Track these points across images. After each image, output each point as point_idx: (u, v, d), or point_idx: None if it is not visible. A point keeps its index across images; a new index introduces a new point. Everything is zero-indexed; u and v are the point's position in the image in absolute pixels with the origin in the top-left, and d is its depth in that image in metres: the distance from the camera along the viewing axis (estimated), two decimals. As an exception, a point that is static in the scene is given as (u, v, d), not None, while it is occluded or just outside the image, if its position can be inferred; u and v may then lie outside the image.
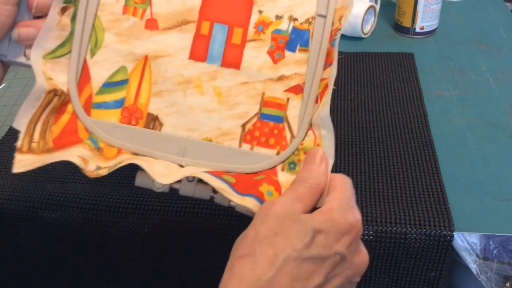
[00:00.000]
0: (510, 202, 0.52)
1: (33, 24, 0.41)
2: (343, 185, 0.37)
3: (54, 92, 0.41)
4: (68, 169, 0.59)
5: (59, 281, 0.62)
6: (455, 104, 0.67)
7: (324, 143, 0.39)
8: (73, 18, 0.42)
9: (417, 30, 0.83)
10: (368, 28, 0.84)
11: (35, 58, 0.41)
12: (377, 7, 0.85)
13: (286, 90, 0.42)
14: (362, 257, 0.36)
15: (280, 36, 0.42)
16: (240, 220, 0.51)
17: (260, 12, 0.42)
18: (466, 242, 0.49)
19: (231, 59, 0.42)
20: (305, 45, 0.42)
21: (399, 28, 0.85)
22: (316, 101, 0.41)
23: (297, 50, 0.42)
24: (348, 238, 0.34)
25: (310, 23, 0.42)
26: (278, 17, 0.42)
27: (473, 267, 0.49)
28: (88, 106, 0.43)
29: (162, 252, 0.55)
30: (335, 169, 0.56)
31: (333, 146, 0.39)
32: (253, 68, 0.42)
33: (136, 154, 0.42)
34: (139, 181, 0.40)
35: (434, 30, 0.84)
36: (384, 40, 0.84)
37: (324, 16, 0.41)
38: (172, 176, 0.39)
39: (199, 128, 0.42)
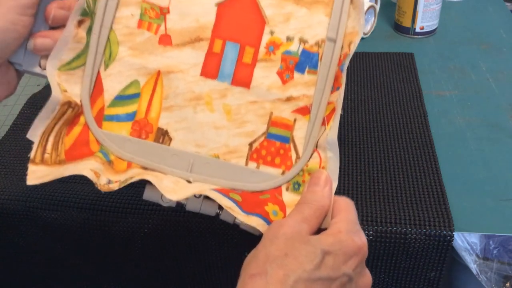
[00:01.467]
0: (510, 202, 0.52)
1: (49, 35, 0.42)
2: (348, 208, 0.38)
3: (68, 104, 0.42)
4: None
5: (59, 281, 0.62)
6: (455, 104, 0.67)
7: (329, 166, 0.40)
8: (89, 31, 0.42)
9: (417, 30, 0.83)
10: (368, 28, 0.84)
11: (51, 69, 0.42)
12: (377, 7, 0.85)
13: (294, 111, 0.42)
14: (366, 279, 0.37)
15: (290, 57, 0.42)
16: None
17: (272, 32, 0.42)
18: (466, 242, 0.49)
19: (242, 78, 0.42)
20: (314, 67, 0.42)
21: (399, 28, 0.85)
22: (323, 124, 0.41)
23: (306, 72, 0.42)
24: (355, 260, 0.35)
25: (319, 46, 0.42)
26: (289, 39, 0.42)
27: (473, 267, 0.49)
28: (100, 118, 0.43)
29: (162, 252, 0.55)
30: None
31: (338, 169, 0.40)
32: (263, 87, 0.42)
33: (146, 168, 0.42)
34: (147, 195, 0.41)
35: (434, 30, 0.84)
36: (384, 40, 0.84)
37: (334, 40, 0.41)
38: (181, 192, 0.39)
39: (207, 145, 0.43)
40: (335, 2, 0.41)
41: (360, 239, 0.36)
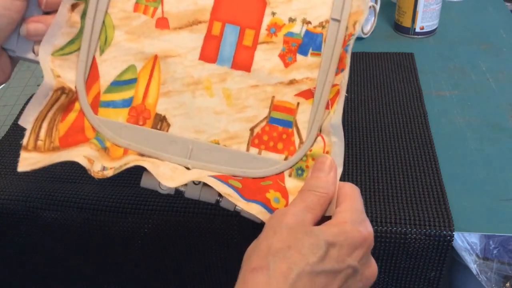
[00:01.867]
0: (510, 202, 0.52)
1: (43, 20, 0.41)
2: (353, 195, 0.37)
3: (62, 90, 0.41)
4: (68, 169, 0.59)
5: (59, 281, 0.62)
6: (455, 104, 0.67)
7: (334, 150, 0.39)
8: (83, 15, 0.41)
9: (417, 30, 0.83)
10: (368, 28, 0.84)
11: (43, 55, 0.41)
12: (377, 7, 0.85)
13: (297, 95, 0.41)
14: (372, 269, 0.36)
15: (292, 39, 0.41)
16: (240, 220, 0.51)
17: (273, 14, 0.41)
18: (466, 242, 0.49)
19: (242, 61, 0.41)
20: (317, 49, 0.41)
21: (399, 28, 0.85)
22: (327, 107, 0.40)
23: (309, 54, 0.41)
24: (361, 251, 0.34)
25: (323, 27, 0.41)
26: (291, 20, 0.41)
27: (473, 267, 0.49)
28: (96, 104, 0.42)
29: (162, 252, 0.55)
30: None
31: (343, 154, 0.39)
32: (264, 71, 0.41)
33: (142, 154, 0.41)
34: (145, 182, 0.40)
35: (434, 30, 0.84)
36: (384, 40, 0.84)
37: (338, 21, 0.40)
38: (178, 179, 0.38)
39: (207, 130, 0.42)
40: None
41: (366, 229, 0.35)
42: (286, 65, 0.41)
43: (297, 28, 0.41)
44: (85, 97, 0.42)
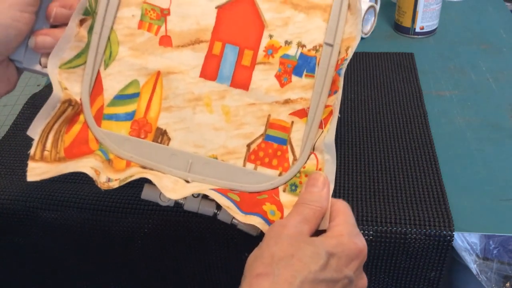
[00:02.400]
0: (510, 202, 0.52)
1: (50, 33, 0.42)
2: (346, 211, 0.39)
3: (69, 102, 0.42)
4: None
5: (59, 281, 0.62)
6: (455, 104, 0.67)
7: (326, 168, 0.41)
8: (90, 30, 0.43)
9: (417, 30, 0.83)
10: (368, 28, 0.84)
11: (52, 67, 0.42)
12: (377, 7, 0.85)
13: (291, 114, 0.43)
14: (364, 281, 0.38)
15: (288, 61, 0.43)
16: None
17: (271, 36, 0.43)
18: (466, 242, 0.49)
19: (241, 80, 0.43)
20: (311, 71, 0.43)
21: (399, 28, 0.85)
22: (320, 126, 0.42)
23: (303, 76, 0.43)
24: (356, 263, 0.36)
25: (317, 51, 0.42)
26: (287, 43, 0.43)
27: (473, 267, 0.49)
28: (99, 117, 0.43)
29: (162, 252, 0.55)
30: (336, 168, 0.56)
31: (334, 171, 0.40)
32: (261, 90, 0.43)
33: (144, 167, 0.42)
34: (146, 194, 0.42)
35: (434, 30, 0.84)
36: (384, 40, 0.84)
37: (331, 45, 0.42)
38: (180, 192, 0.40)
39: (206, 145, 0.43)
40: (333, 8, 0.42)
41: (361, 242, 0.37)
42: (282, 85, 0.43)
43: (293, 51, 0.43)
44: (90, 109, 0.43)
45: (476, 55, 0.77)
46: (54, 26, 0.43)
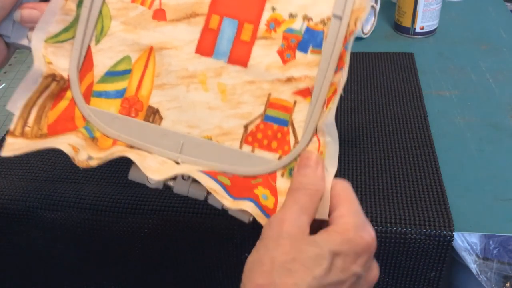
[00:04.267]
0: (510, 202, 0.52)
1: (37, 7, 0.40)
2: (348, 196, 0.35)
3: (53, 77, 0.40)
4: (68, 169, 0.59)
5: (59, 281, 0.62)
6: (455, 104, 0.67)
7: (328, 150, 0.38)
8: (80, 4, 0.41)
9: (417, 30, 0.83)
10: (368, 28, 0.84)
11: (36, 41, 0.40)
12: (377, 7, 0.85)
13: (294, 93, 0.40)
14: (375, 272, 0.35)
15: (292, 35, 0.40)
16: (241, 221, 0.51)
17: (273, 9, 0.40)
18: (466, 242, 0.49)
19: (239, 56, 0.40)
20: (318, 46, 0.39)
21: (399, 28, 0.85)
22: (324, 106, 0.39)
23: (309, 52, 0.40)
24: (365, 257, 0.33)
25: (325, 24, 0.39)
26: (292, 16, 0.40)
27: (473, 267, 0.49)
28: (88, 94, 0.42)
29: (162, 252, 0.55)
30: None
31: (337, 154, 0.37)
32: (261, 67, 0.40)
33: (132, 146, 0.40)
34: (133, 175, 0.39)
35: (434, 30, 0.84)
36: (384, 40, 0.84)
37: (340, 17, 0.39)
38: (165, 172, 0.37)
39: (200, 126, 0.41)
40: None
41: (369, 234, 0.33)
42: (285, 62, 0.40)
43: (298, 25, 0.40)
44: (78, 86, 0.41)
45: (476, 55, 0.77)
46: (43, 0, 0.41)
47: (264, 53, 0.40)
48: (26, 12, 0.40)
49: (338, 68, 0.39)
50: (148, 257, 0.56)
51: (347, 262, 0.32)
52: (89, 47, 0.42)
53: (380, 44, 0.82)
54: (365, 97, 0.68)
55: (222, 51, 0.40)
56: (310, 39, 0.40)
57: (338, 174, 0.55)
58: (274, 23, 0.40)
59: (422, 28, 0.82)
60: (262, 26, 0.40)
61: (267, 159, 0.40)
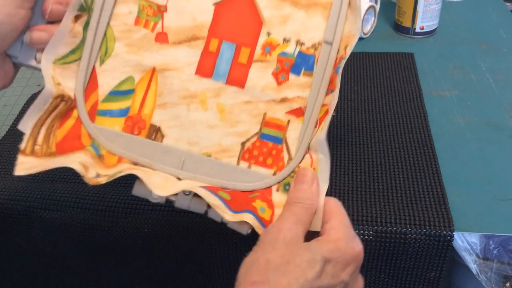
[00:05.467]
0: (510, 202, 0.52)
1: (46, 29, 0.42)
2: (340, 211, 0.38)
3: (61, 97, 0.42)
4: (68, 169, 0.59)
5: (59, 281, 0.62)
6: (455, 104, 0.67)
7: (320, 166, 0.40)
8: (86, 26, 0.43)
9: (417, 30, 0.83)
10: (368, 28, 0.84)
11: (45, 62, 0.42)
12: (377, 7, 0.85)
13: (288, 112, 0.42)
14: (359, 283, 0.37)
15: (286, 59, 0.42)
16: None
17: (269, 34, 0.43)
18: (466, 242, 0.49)
19: (237, 78, 0.43)
20: (309, 69, 0.42)
21: (399, 28, 0.85)
22: (316, 126, 0.42)
23: (301, 74, 0.42)
24: (353, 267, 0.35)
25: (316, 49, 0.42)
26: (286, 40, 0.42)
27: (473, 267, 0.49)
28: (93, 113, 0.43)
29: (162, 252, 0.55)
30: (336, 168, 0.56)
31: (329, 170, 0.40)
32: (257, 88, 0.42)
33: (136, 163, 0.42)
34: (137, 190, 0.41)
35: (434, 30, 0.84)
36: (384, 40, 0.84)
37: (331, 43, 0.41)
38: (169, 188, 0.39)
39: (200, 143, 0.43)
40: (333, 5, 0.42)
41: (358, 246, 0.36)
42: (279, 83, 0.42)
43: (291, 49, 0.42)
44: (83, 105, 0.43)
45: (476, 55, 0.77)
46: (51, 23, 0.43)
47: (260, 75, 0.43)
48: (35, 34, 0.42)
49: (329, 90, 0.41)
50: (148, 257, 0.56)
51: (337, 269, 0.34)
52: (94, 68, 0.43)
53: (380, 44, 0.82)
54: (365, 97, 0.68)
55: (221, 73, 0.43)
56: (302, 63, 0.42)
57: (338, 175, 0.55)
58: (270, 47, 0.43)
59: (422, 28, 0.82)
60: (258, 49, 0.43)
61: (263, 174, 0.42)
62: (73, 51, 0.43)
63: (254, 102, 0.43)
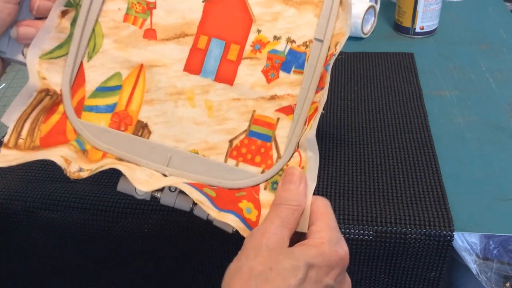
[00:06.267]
0: (510, 202, 0.52)
1: (33, 24, 0.42)
2: (327, 212, 0.38)
3: (46, 91, 0.42)
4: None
5: (59, 281, 0.62)
6: (455, 104, 0.67)
7: (308, 165, 0.40)
8: (73, 22, 0.43)
9: (417, 30, 0.83)
10: (368, 28, 0.84)
11: (31, 57, 0.42)
12: (377, 7, 0.85)
13: (277, 110, 0.42)
14: (347, 285, 0.37)
15: (276, 56, 0.42)
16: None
17: (259, 31, 0.42)
18: (466, 242, 0.49)
19: (225, 75, 0.42)
20: (300, 67, 0.42)
21: (399, 28, 0.85)
22: (305, 123, 0.41)
23: (292, 72, 0.42)
24: (337, 270, 0.35)
25: (307, 46, 0.42)
26: (276, 38, 0.42)
27: (473, 267, 0.49)
28: (80, 108, 0.43)
29: (162, 252, 0.55)
30: (336, 168, 0.56)
31: (317, 168, 0.39)
32: (246, 85, 0.42)
33: (121, 159, 0.42)
34: (121, 186, 0.41)
35: (434, 30, 0.84)
36: (384, 40, 0.84)
37: (321, 41, 0.41)
38: (153, 184, 0.39)
39: (187, 140, 0.42)
40: (325, 3, 0.41)
41: (343, 249, 0.36)
42: (269, 81, 0.42)
43: (281, 46, 0.42)
44: (70, 100, 0.43)
45: (476, 55, 0.77)
46: (39, 18, 0.43)
47: (249, 72, 0.42)
48: (22, 29, 0.42)
49: (319, 87, 0.41)
50: (148, 257, 0.56)
51: (321, 274, 0.34)
52: (81, 64, 0.43)
53: (380, 44, 0.82)
54: (365, 97, 0.68)
55: (209, 70, 0.42)
56: (293, 60, 0.42)
57: (338, 175, 0.55)
58: (260, 44, 0.42)
59: (422, 28, 0.82)
60: (248, 47, 0.42)
61: (251, 172, 0.42)
62: (60, 46, 0.43)
63: (242, 99, 0.42)
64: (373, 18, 0.85)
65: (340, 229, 0.49)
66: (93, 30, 0.43)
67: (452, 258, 0.51)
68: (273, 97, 0.42)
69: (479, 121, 0.63)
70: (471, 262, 0.49)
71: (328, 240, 0.35)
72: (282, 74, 0.42)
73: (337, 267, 0.35)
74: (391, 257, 0.50)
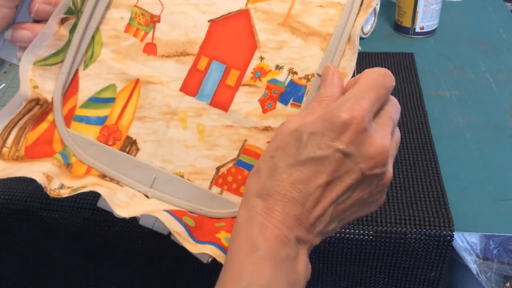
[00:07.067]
0: (510, 202, 0.52)
1: (29, 28, 0.41)
2: (364, 77, 0.35)
3: (37, 101, 0.41)
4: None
5: (59, 281, 0.62)
6: (455, 104, 0.67)
7: None
8: (73, 29, 0.42)
9: (417, 30, 0.83)
10: (368, 28, 0.84)
11: (24, 64, 0.41)
12: (377, 7, 0.85)
13: (269, 142, 0.40)
14: (373, 147, 0.33)
15: (275, 86, 0.41)
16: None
17: (262, 58, 0.41)
18: (466, 242, 0.49)
19: (221, 100, 0.41)
20: (298, 100, 0.41)
21: (399, 28, 0.85)
22: None
23: (289, 104, 0.41)
24: (347, 135, 0.32)
25: (308, 80, 0.40)
26: (278, 67, 0.41)
27: (473, 267, 0.49)
28: (70, 117, 0.42)
29: (162, 252, 0.55)
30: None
31: None
32: (241, 113, 0.41)
33: (104, 176, 0.41)
34: (101, 203, 0.40)
35: (434, 30, 0.84)
36: (384, 40, 0.84)
37: None
38: (132, 210, 0.38)
39: (174, 162, 0.41)
40: (333, 37, 0.40)
41: (349, 113, 0.32)
42: (265, 111, 0.41)
43: (282, 77, 0.41)
44: (60, 108, 0.42)
45: (476, 55, 0.77)
46: (37, 21, 0.42)
47: (246, 100, 0.41)
48: (18, 32, 0.41)
49: None
50: (148, 257, 0.56)
51: (325, 140, 0.32)
52: (77, 71, 0.42)
53: (380, 44, 0.82)
54: (365, 97, 0.68)
55: (206, 93, 0.41)
56: (292, 92, 0.41)
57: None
58: (260, 72, 0.41)
59: (422, 28, 0.82)
60: (248, 73, 0.41)
61: (233, 203, 0.41)
62: (56, 54, 0.42)
63: (235, 127, 0.41)
64: (373, 18, 0.85)
65: (340, 229, 0.49)
66: (93, 37, 0.42)
67: (452, 258, 0.51)
68: (266, 129, 0.41)
69: (479, 121, 0.63)
70: (471, 262, 0.49)
71: (336, 104, 0.33)
72: (279, 105, 0.41)
73: (345, 132, 0.32)
74: (391, 257, 0.50)
